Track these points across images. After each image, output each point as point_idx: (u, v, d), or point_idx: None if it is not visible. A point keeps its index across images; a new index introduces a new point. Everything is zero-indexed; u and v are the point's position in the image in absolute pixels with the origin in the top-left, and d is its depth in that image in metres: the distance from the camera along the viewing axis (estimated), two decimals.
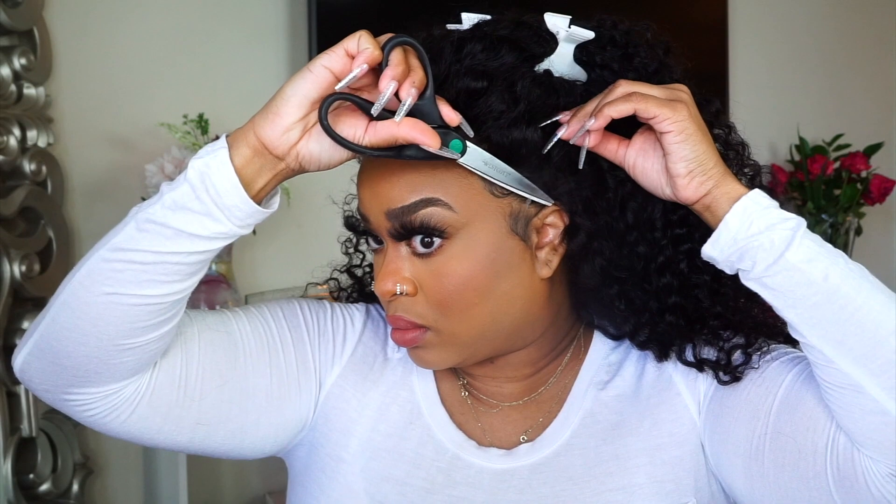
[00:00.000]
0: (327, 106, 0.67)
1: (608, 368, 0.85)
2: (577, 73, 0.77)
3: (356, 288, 0.94)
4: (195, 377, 0.77)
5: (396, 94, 0.67)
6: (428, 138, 0.68)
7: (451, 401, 0.86)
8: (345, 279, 0.95)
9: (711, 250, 0.71)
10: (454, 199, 0.73)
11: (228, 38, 2.03)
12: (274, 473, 1.92)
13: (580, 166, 0.75)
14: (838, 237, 2.76)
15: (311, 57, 2.03)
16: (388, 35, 0.68)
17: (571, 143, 0.73)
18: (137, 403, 0.75)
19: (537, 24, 0.77)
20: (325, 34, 2.03)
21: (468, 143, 0.71)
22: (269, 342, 0.82)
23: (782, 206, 0.71)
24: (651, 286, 0.78)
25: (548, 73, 0.76)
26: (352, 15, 2.08)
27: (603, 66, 0.77)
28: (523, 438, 0.84)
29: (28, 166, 1.70)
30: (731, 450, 0.78)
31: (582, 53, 0.77)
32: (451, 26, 0.79)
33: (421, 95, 0.68)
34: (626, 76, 0.76)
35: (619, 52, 0.78)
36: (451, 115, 0.69)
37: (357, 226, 0.90)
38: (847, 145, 2.80)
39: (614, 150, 0.75)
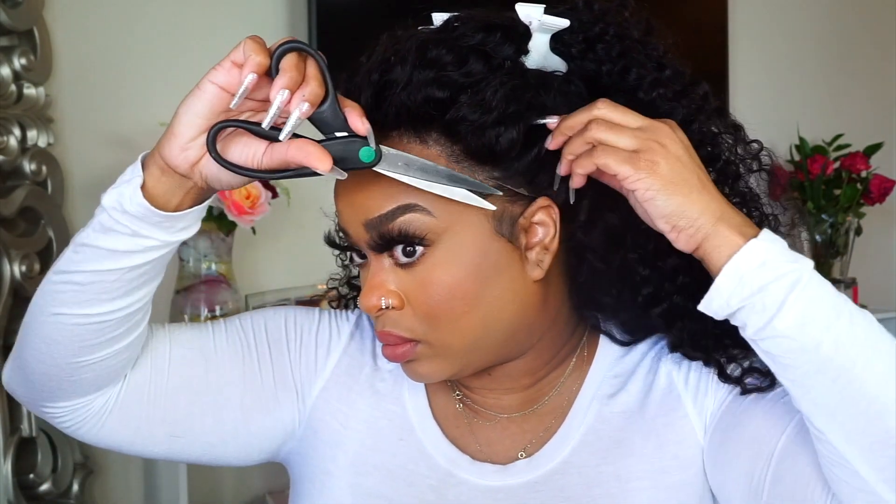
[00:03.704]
0: (214, 133, 0.65)
1: (614, 381, 0.80)
2: (556, 63, 0.74)
3: (356, 296, 0.91)
4: (163, 393, 0.79)
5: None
6: (317, 161, 0.62)
7: (444, 414, 0.83)
8: (344, 289, 0.94)
9: (707, 309, 0.66)
10: (432, 204, 0.70)
11: (228, 37, 2.02)
12: (274, 473, 1.91)
13: (570, 201, 0.71)
14: (838, 237, 2.76)
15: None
16: (280, 40, 0.64)
17: (559, 172, 0.70)
18: (106, 417, 0.78)
19: (510, 22, 0.73)
20: (325, 34, 2.02)
21: (383, 148, 0.67)
22: (244, 356, 0.82)
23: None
24: (655, 271, 0.75)
25: (522, 69, 0.72)
26: (352, 15, 2.07)
27: (579, 56, 0.74)
28: (521, 454, 0.80)
29: (28, 166, 1.70)
30: (731, 484, 0.74)
31: (557, 43, 0.73)
32: (423, 28, 0.75)
33: (322, 103, 0.63)
34: (586, 64, 0.73)
35: (581, 37, 0.74)
36: (358, 126, 0.65)
37: (338, 242, 0.85)
38: (847, 145, 2.80)
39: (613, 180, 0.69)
